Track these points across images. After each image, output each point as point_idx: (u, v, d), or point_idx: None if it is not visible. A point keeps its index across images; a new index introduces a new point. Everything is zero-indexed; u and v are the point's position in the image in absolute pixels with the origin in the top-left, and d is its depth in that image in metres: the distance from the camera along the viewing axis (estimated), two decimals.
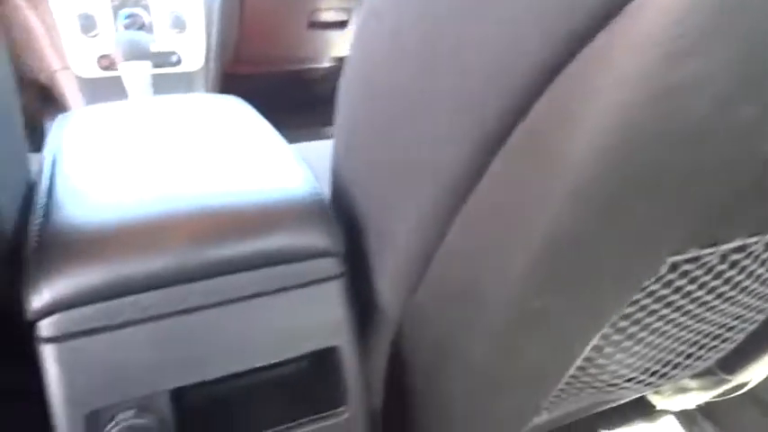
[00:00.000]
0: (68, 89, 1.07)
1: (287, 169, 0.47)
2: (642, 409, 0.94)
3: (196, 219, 0.40)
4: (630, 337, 0.50)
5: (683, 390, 0.78)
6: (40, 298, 0.36)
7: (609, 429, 0.92)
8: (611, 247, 0.31)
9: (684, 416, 0.95)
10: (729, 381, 0.73)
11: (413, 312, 0.44)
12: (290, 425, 0.44)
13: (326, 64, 1.51)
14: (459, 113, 0.32)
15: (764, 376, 0.77)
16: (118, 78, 1.02)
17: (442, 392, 0.45)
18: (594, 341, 0.49)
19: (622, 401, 0.73)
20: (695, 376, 0.74)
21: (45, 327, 0.36)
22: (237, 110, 0.61)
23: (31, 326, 0.37)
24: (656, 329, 0.51)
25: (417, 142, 0.36)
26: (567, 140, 0.27)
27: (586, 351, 0.46)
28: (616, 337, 0.50)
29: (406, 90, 0.36)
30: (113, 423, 0.38)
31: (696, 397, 0.78)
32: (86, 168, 0.46)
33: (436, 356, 0.43)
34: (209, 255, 0.39)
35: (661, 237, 0.32)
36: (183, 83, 1.16)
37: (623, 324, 0.48)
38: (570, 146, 0.27)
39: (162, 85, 1.08)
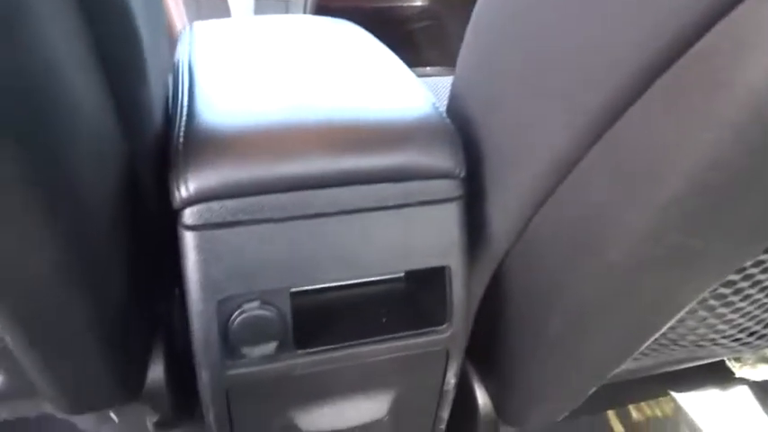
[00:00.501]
0: (174, 3, 1.10)
1: (413, 90, 0.48)
2: (717, 376, 0.92)
3: (330, 128, 0.42)
4: (737, 292, 0.49)
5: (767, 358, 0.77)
6: (186, 187, 0.38)
7: (679, 392, 0.92)
8: (761, 189, 0.31)
9: (760, 388, 0.93)
10: None
11: (523, 245, 0.44)
12: (393, 335, 0.46)
13: (420, 2, 1.48)
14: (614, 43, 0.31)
15: None
16: None
17: (539, 326, 0.46)
18: (706, 293, 0.48)
19: (698, 363, 0.72)
20: None
21: (189, 215, 0.39)
22: (354, 31, 0.62)
23: (175, 215, 0.40)
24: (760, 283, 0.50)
25: (560, 79, 0.35)
26: (741, 67, 0.26)
27: (695, 301, 0.45)
28: (722, 290, 0.49)
29: (551, 28, 0.35)
30: (240, 311, 0.41)
31: None
32: (220, 76, 0.48)
33: (540, 291, 0.44)
34: (342, 164, 0.41)
35: None
36: (280, 9, 1.17)
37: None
38: (743, 73, 0.26)
39: (262, 8, 1.09)
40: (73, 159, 0.33)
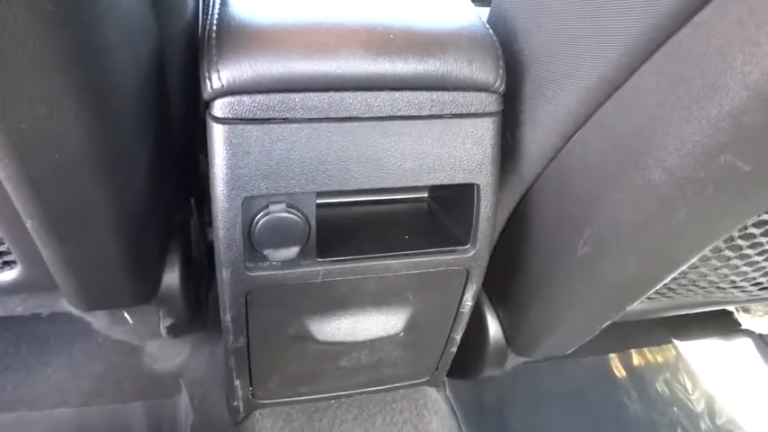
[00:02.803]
0: None
1: (459, 5, 0.45)
2: (721, 326, 0.93)
3: (368, 31, 0.40)
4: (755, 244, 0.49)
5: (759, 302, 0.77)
6: (219, 77, 0.36)
7: (682, 340, 0.93)
8: None
9: (761, 341, 0.94)
10: None
11: (557, 167, 0.43)
12: (415, 251, 0.46)
13: None
14: None
15: None
16: None
17: (565, 251, 0.45)
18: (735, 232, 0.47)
19: (704, 311, 0.72)
20: None
21: (219, 107, 0.37)
22: None
23: (205, 107, 0.38)
24: None
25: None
26: None
27: (722, 238, 0.45)
28: (756, 231, 0.48)
29: None
30: (265, 212, 0.40)
31: None
32: None
33: (570, 216, 0.43)
34: (378, 67, 0.39)
35: None
36: None
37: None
38: None
39: None
40: (107, 38, 0.32)
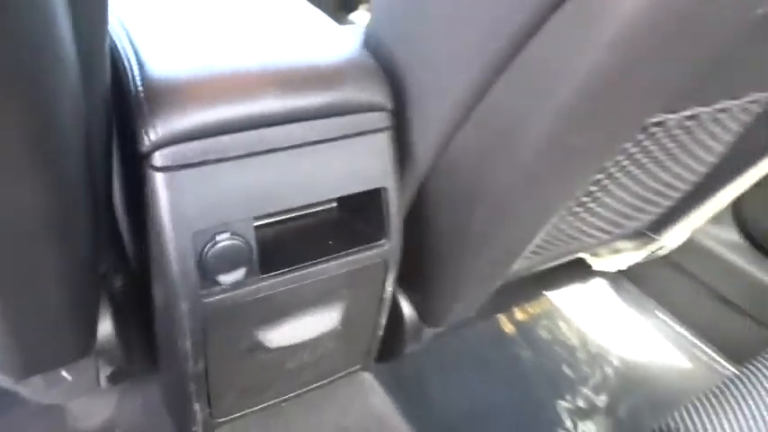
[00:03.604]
0: None
1: (335, 33, 0.54)
2: (579, 274, 1.11)
3: (275, 72, 0.46)
4: (605, 190, 0.63)
5: (618, 251, 0.95)
6: (156, 132, 0.41)
7: (552, 290, 1.09)
8: (629, 93, 0.42)
9: (611, 279, 1.13)
10: (656, 240, 0.89)
11: (444, 161, 0.53)
12: (340, 253, 0.53)
13: None
14: None
15: (679, 241, 0.95)
16: None
17: (462, 228, 0.55)
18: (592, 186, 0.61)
19: (564, 262, 0.87)
20: (630, 237, 0.90)
21: (159, 157, 0.42)
22: None
23: (142, 159, 0.43)
24: (622, 185, 0.64)
25: (474, 16, 0.43)
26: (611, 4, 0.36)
27: (584, 193, 0.58)
28: (594, 189, 0.62)
29: None
30: (213, 242, 0.46)
31: (627, 257, 0.95)
32: (154, 27, 0.50)
33: (462, 198, 0.53)
34: (289, 103, 0.46)
35: (659, 91, 0.43)
36: None
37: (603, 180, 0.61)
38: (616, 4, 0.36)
39: None
40: (59, 109, 0.35)
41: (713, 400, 0.46)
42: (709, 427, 0.44)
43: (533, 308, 1.06)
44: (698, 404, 0.47)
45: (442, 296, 0.66)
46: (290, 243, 0.53)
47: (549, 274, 0.99)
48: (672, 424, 0.46)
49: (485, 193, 0.50)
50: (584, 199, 0.63)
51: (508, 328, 1.01)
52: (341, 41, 0.53)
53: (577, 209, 0.65)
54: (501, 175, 0.48)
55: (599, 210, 0.66)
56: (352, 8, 1.06)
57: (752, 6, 0.37)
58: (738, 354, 0.99)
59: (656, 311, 1.08)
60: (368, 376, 0.69)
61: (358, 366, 0.66)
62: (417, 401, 0.71)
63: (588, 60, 0.39)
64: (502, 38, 0.42)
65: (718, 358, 1.01)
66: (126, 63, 0.46)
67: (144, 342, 0.69)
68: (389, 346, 0.72)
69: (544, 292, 1.09)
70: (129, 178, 0.51)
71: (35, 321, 0.46)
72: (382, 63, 0.53)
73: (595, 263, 0.99)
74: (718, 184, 0.80)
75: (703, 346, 1.02)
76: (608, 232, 0.74)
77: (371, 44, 0.56)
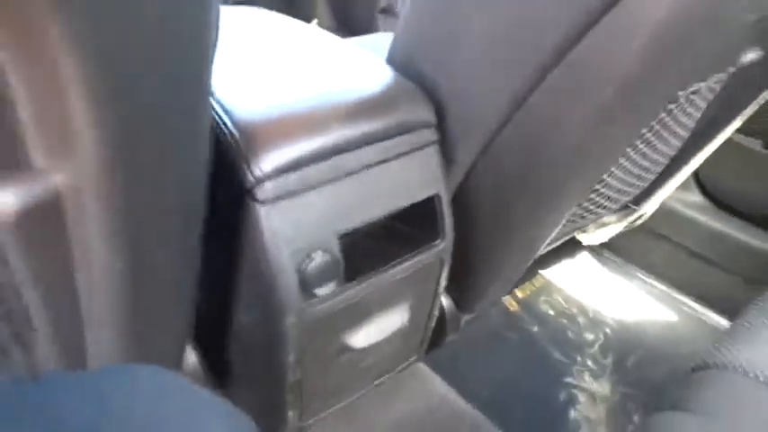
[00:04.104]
0: None
1: (373, 61, 0.60)
2: (568, 250, 1.21)
3: (340, 106, 0.53)
4: (611, 174, 0.72)
5: (604, 224, 1.05)
6: (260, 168, 0.47)
7: (546, 269, 1.19)
8: (656, 88, 0.51)
9: (594, 252, 1.24)
10: (636, 210, 1.00)
11: (486, 157, 0.60)
12: (407, 256, 0.60)
13: None
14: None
15: (654, 209, 1.06)
16: None
17: (503, 213, 0.63)
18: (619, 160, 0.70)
19: (556, 245, 0.97)
20: (615, 211, 1.00)
21: (261, 192, 0.48)
22: (274, 17, 0.71)
23: (243, 195, 0.48)
24: (622, 167, 0.73)
25: (519, 29, 0.51)
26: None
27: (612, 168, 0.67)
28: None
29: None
30: (309, 259, 0.51)
31: (612, 230, 1.06)
32: (222, 74, 0.55)
33: (504, 190, 0.61)
34: (358, 131, 0.52)
35: (677, 82, 0.52)
36: None
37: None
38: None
39: None
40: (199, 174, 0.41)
41: (741, 330, 0.56)
42: (741, 356, 0.53)
43: (532, 285, 1.16)
44: (727, 337, 0.56)
45: (479, 284, 0.73)
46: (360, 252, 0.60)
47: (544, 254, 1.09)
48: (708, 360, 0.56)
49: (527, 184, 0.58)
50: (596, 185, 0.73)
51: (513, 306, 1.11)
52: (377, 67, 0.60)
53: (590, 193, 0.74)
54: (543, 166, 0.56)
55: (604, 190, 0.76)
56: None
57: (750, 13, 0.47)
58: (716, 301, 1.12)
59: (639, 274, 1.20)
60: (422, 365, 0.76)
61: (415, 358, 0.73)
62: (456, 381, 0.78)
63: (624, 65, 0.47)
64: (546, 51, 0.50)
65: (700, 308, 1.14)
66: (213, 111, 0.51)
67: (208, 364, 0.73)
68: (433, 337, 0.79)
69: (539, 271, 1.19)
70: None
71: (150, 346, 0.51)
72: (413, 80, 0.60)
73: (584, 238, 1.09)
74: (688, 155, 0.92)
75: (686, 300, 1.15)
76: (608, 209, 0.84)
77: (396, 62, 0.63)
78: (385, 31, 1.47)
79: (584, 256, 1.24)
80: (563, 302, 1.13)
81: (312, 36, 0.66)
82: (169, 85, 0.34)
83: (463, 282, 0.75)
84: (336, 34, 0.70)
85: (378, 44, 0.74)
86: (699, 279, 1.13)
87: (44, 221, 0.36)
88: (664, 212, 1.13)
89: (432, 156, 0.59)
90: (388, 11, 1.46)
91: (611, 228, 1.07)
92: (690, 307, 1.14)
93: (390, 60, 0.64)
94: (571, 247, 1.16)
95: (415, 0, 0.60)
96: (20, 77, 0.29)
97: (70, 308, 0.42)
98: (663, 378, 0.98)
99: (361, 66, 0.60)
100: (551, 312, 1.11)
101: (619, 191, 0.79)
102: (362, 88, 0.56)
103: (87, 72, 0.29)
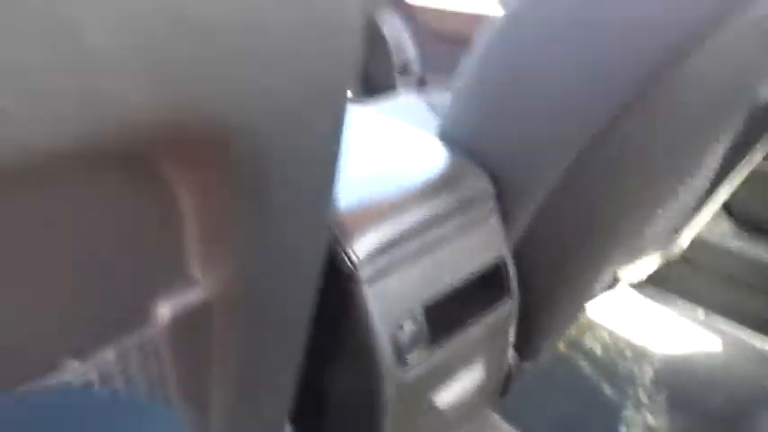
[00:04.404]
0: None
1: (428, 140, 0.66)
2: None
3: (417, 188, 0.58)
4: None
5: (643, 258, 1.09)
6: (356, 256, 0.52)
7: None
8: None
9: (633, 284, 1.28)
10: (675, 242, 1.04)
11: (542, 215, 0.65)
12: (481, 315, 0.64)
13: None
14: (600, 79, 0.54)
15: (690, 239, 1.10)
16: None
17: (570, 264, 0.67)
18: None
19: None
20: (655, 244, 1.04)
21: (362, 273, 0.53)
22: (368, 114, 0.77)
23: (345, 278, 0.53)
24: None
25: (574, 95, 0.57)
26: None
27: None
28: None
29: (555, 72, 0.57)
30: (402, 329, 0.56)
31: (651, 263, 1.10)
32: None
33: (566, 239, 0.66)
34: (432, 211, 0.58)
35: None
36: None
37: None
38: None
39: None
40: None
41: None
42: None
43: (576, 323, 1.19)
44: None
45: (542, 332, 0.77)
46: (441, 315, 0.64)
47: None
48: None
49: (586, 233, 0.63)
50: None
51: (561, 344, 1.14)
52: (433, 146, 0.65)
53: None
54: (601, 214, 0.61)
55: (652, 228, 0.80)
56: None
57: None
58: (758, 323, 1.16)
59: (679, 303, 1.24)
60: (492, 413, 0.79)
61: (489, 408, 0.77)
62: (520, 425, 0.82)
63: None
64: (600, 116, 0.55)
65: (744, 333, 1.17)
66: None
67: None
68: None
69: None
70: None
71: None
72: (468, 153, 0.65)
73: (622, 272, 1.13)
74: (718, 183, 0.97)
75: (728, 325, 1.18)
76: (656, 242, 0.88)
77: (448, 137, 0.68)
78: (402, 87, 1.54)
79: (623, 288, 1.27)
80: (608, 338, 1.17)
81: (363, 117, 0.72)
82: (307, 227, 0.40)
83: (526, 331, 0.79)
84: (356, 93, 0.76)
85: (403, 110, 0.81)
86: (738, 303, 1.16)
87: (192, 324, 0.41)
88: (696, 242, 1.17)
89: (495, 223, 0.64)
90: (406, 71, 1.54)
91: (651, 260, 1.11)
92: (733, 332, 1.17)
93: (443, 135, 0.70)
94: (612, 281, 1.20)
95: (468, 80, 0.66)
96: (193, 204, 0.35)
97: (200, 395, 0.47)
98: (720, 406, 1.01)
99: (419, 146, 0.66)
100: (599, 348, 1.14)
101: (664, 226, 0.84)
102: (427, 170, 0.62)
103: (244, 210, 0.35)
